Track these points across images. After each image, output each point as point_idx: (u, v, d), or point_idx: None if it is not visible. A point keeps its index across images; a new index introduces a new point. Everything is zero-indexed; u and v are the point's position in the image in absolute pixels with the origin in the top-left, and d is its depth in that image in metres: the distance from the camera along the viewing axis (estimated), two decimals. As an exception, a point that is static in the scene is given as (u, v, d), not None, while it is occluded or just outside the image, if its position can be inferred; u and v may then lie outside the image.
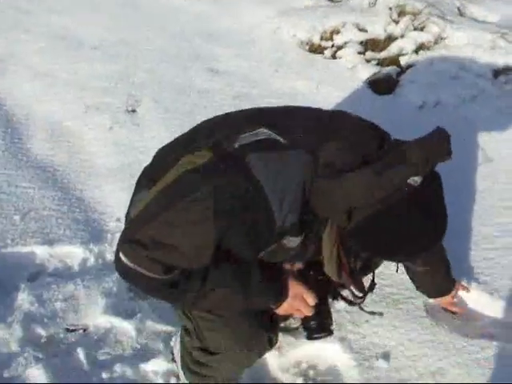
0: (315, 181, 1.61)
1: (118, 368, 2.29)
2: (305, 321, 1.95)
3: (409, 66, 4.43)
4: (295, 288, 1.84)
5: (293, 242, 1.70)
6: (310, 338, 1.97)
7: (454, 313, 2.56)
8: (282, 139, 1.65)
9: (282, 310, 1.86)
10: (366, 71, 4.33)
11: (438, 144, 1.53)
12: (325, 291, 1.95)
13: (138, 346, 2.40)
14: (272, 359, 2.38)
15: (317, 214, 1.66)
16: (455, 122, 3.76)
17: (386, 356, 2.36)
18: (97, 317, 2.48)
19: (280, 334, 2.32)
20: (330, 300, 2.01)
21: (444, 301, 2.54)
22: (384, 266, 2.62)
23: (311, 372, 2.36)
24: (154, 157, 1.93)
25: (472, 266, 2.76)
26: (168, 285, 1.66)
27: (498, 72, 4.35)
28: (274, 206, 1.58)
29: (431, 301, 2.57)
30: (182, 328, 2.07)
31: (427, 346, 2.39)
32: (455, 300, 2.56)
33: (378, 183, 1.50)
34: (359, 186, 1.52)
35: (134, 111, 3.87)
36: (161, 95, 4.03)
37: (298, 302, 1.85)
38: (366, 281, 2.10)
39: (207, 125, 1.85)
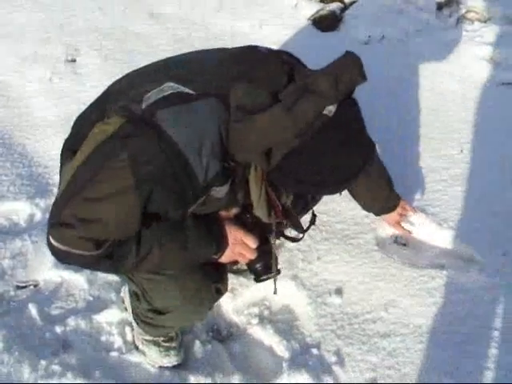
0: (229, 126, 1.56)
1: (71, 321, 2.27)
2: (250, 264, 1.93)
3: (352, 2, 4.37)
4: (234, 233, 1.82)
5: (220, 191, 1.67)
6: (258, 280, 1.96)
7: (404, 244, 2.58)
8: (189, 90, 1.59)
9: (225, 258, 1.84)
10: (309, 8, 4.25)
11: (346, 68, 1.49)
12: (265, 232, 1.91)
13: (91, 298, 2.38)
14: (226, 302, 2.38)
15: (238, 159, 1.62)
16: (400, 56, 3.77)
17: (338, 291, 2.38)
18: (47, 272, 2.45)
19: (233, 277, 2.34)
20: (272, 240, 1.99)
21: (389, 219, 2.55)
22: (335, 203, 2.64)
23: (266, 312, 2.37)
24: (72, 126, 1.86)
25: (420, 198, 2.79)
26: (104, 257, 1.63)
27: (441, 5, 4.32)
28: (191, 160, 1.54)
29: (381, 233, 2.58)
30: (131, 292, 2.06)
31: (379, 279, 2.42)
32: (405, 222, 2.59)
33: (291, 119, 1.45)
34: (272, 124, 1.47)
35: (73, 61, 3.76)
36: (100, 43, 3.92)
37: (240, 246, 1.84)
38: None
39: (116, 86, 1.77)
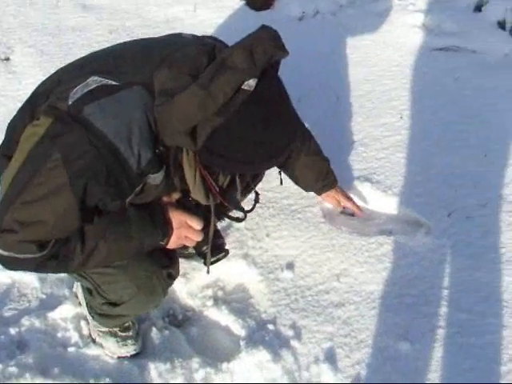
0: (155, 111, 1.56)
1: (25, 321, 2.26)
2: (197, 247, 1.95)
3: (285, -20, 4.35)
4: (178, 217, 1.83)
5: (156, 178, 1.68)
6: (206, 263, 1.97)
7: (352, 214, 2.62)
8: (114, 81, 1.60)
9: (172, 244, 1.85)
10: (243, -11, 4.24)
11: (260, 40, 1.49)
12: (208, 213, 1.92)
13: (44, 296, 2.37)
14: (179, 286, 2.39)
15: (167, 143, 1.63)
16: (335, 30, 3.78)
17: (290, 266, 2.41)
18: (-4, 274, 2.42)
19: (184, 261, 2.35)
20: (213, 221, 2.00)
21: (331, 197, 2.55)
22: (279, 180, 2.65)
23: (220, 293, 2.39)
24: (6, 131, 1.83)
25: (364, 168, 2.82)
26: (50, 258, 1.63)
27: (372, -24, 4.35)
28: (123, 150, 1.55)
29: (328, 205, 2.62)
30: (84, 287, 2.07)
31: (328, 250, 2.46)
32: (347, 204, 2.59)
33: (209, 96, 1.44)
34: (190, 103, 1.47)
35: (7, 59, 3.69)
36: (33, 39, 3.84)
37: (185, 229, 1.85)
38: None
39: (42, 87, 1.75)
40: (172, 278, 1.99)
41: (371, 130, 3.03)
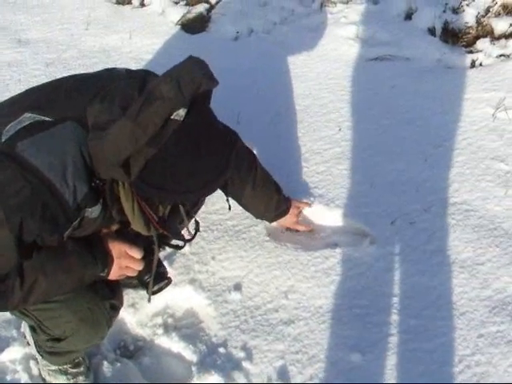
0: (88, 145, 1.56)
1: (-28, 366, 2.21)
2: (139, 277, 1.93)
3: (218, 1, 4.39)
4: (118, 247, 1.83)
5: (93, 212, 1.67)
6: (150, 293, 1.95)
7: (297, 230, 2.63)
8: (47, 118, 1.60)
9: (113, 274, 1.84)
10: (177, 13, 4.25)
11: (187, 70, 1.50)
12: (148, 242, 1.91)
13: (-9, 339, 2.32)
14: (129, 317, 2.38)
15: (102, 176, 1.62)
16: (270, 47, 3.82)
17: (237, 287, 2.40)
18: None
19: (132, 291, 2.33)
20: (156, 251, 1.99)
21: (287, 222, 2.60)
22: (223, 201, 2.65)
23: (170, 320, 2.37)
24: None
25: (306, 182, 2.84)
26: None
27: (304, -9, 4.41)
28: (58, 186, 1.54)
29: (274, 224, 2.62)
30: (28, 325, 2.04)
31: (275, 268, 2.45)
32: (299, 219, 2.63)
33: (138, 127, 1.44)
34: (121, 136, 1.46)
35: None
36: (-30, 76, 3.79)
37: (125, 259, 1.84)
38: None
39: None
40: (115, 308, 1.97)
41: (311, 144, 3.06)
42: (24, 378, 2.20)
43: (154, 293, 1.96)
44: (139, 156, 1.49)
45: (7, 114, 1.63)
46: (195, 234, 2.06)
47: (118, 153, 1.48)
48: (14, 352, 2.26)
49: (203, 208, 2.27)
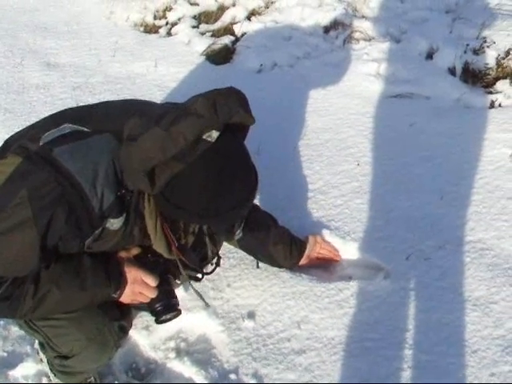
0: (119, 154, 1.62)
1: (-15, 380, 2.23)
2: (150, 304, 1.96)
3: (243, 34, 4.48)
4: (133, 272, 1.86)
5: (116, 223, 1.71)
6: (158, 321, 1.98)
7: (324, 259, 2.66)
8: (86, 129, 1.67)
9: (125, 298, 1.87)
10: (202, 44, 4.35)
11: (225, 95, 1.56)
12: (165, 271, 1.96)
13: (5, 354, 2.34)
14: (142, 339, 2.39)
15: (132, 190, 1.67)
16: (292, 81, 3.87)
17: (251, 315, 2.42)
18: (-44, 334, 2.39)
19: (146, 314, 2.35)
20: (180, 276, 2.03)
21: (310, 261, 2.60)
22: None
23: (182, 344, 2.38)
24: None
25: (323, 215, 2.87)
26: (1, 299, 1.64)
27: (328, 28, 4.49)
28: (87, 191, 1.59)
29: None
30: (38, 342, 2.08)
31: (289, 298, 2.46)
32: (322, 251, 2.64)
33: (169, 138, 1.49)
34: (150, 144, 1.51)
35: (-29, 118, 3.70)
36: (-3, 97, 3.88)
37: (139, 285, 1.87)
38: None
39: (14, 135, 1.79)
40: (124, 330, 2.01)
41: (329, 178, 3.09)
42: (36, 394, 2.23)
43: (161, 322, 1.99)
44: (166, 169, 1.54)
45: (48, 123, 1.71)
46: (215, 268, 2.12)
47: (145, 160, 1.53)
48: (27, 368, 2.29)
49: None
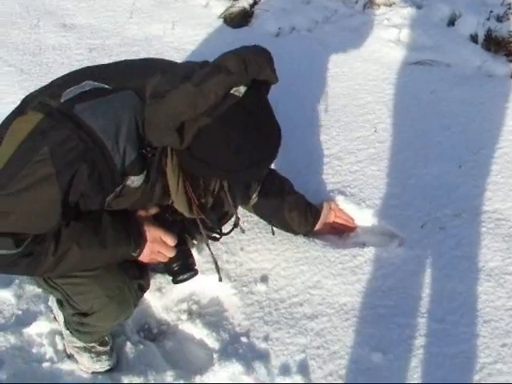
0: (144, 113, 1.62)
1: (0, 337, 2.26)
2: (167, 264, 1.96)
3: (262, -3, 4.41)
4: (153, 231, 1.87)
5: (136, 181, 1.71)
6: (175, 281, 1.99)
7: (340, 225, 2.66)
8: (107, 86, 1.67)
9: (144, 257, 1.88)
10: (220, 6, 4.27)
11: (256, 54, 1.56)
12: (182, 231, 1.96)
13: (20, 312, 2.38)
14: (155, 301, 2.41)
15: (155, 147, 1.67)
16: (311, 45, 3.81)
17: (264, 279, 2.42)
18: (-28, 292, 2.43)
19: (160, 276, 2.36)
20: (190, 240, 2.04)
21: (326, 227, 2.61)
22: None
23: (194, 307, 2.40)
24: None
25: (338, 181, 2.84)
26: (22, 256, 1.65)
27: (348, -8, 4.39)
28: (110, 147, 1.59)
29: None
30: (56, 300, 2.09)
31: (302, 263, 2.47)
32: (338, 220, 2.64)
33: (200, 94, 1.49)
34: (181, 99, 1.52)
35: (-13, 78, 3.69)
36: (13, 58, 3.84)
37: (158, 244, 1.88)
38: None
39: (33, 92, 1.79)
40: (142, 289, 2.01)
41: (346, 144, 3.06)
42: (49, 352, 2.26)
43: (178, 282, 1.99)
44: (194, 123, 1.54)
45: (68, 81, 1.71)
46: (232, 228, 2.12)
47: (175, 116, 1.54)
48: (41, 326, 2.32)
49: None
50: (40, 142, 1.57)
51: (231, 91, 1.53)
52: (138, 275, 1.97)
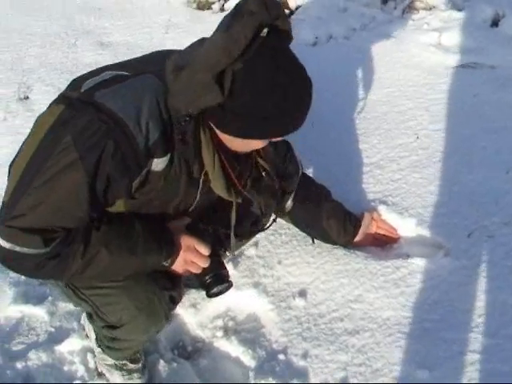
0: (169, 86, 1.59)
1: (32, 355, 2.25)
2: (200, 276, 1.88)
3: (297, 7, 4.41)
4: (186, 240, 1.82)
5: (160, 163, 1.66)
6: (209, 294, 1.88)
7: (383, 236, 2.57)
8: (127, 73, 1.66)
9: (177, 266, 1.83)
10: (257, 18, 4.26)
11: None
12: (215, 242, 1.90)
13: (53, 330, 2.35)
14: (189, 317, 2.36)
15: (184, 121, 1.63)
16: (349, 53, 3.77)
17: (302, 293, 2.34)
18: (6, 308, 2.42)
19: (194, 291, 2.31)
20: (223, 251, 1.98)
21: (368, 238, 2.52)
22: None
23: (230, 323, 2.33)
24: None
25: (380, 190, 2.75)
26: (50, 258, 1.60)
27: (386, -2, 4.34)
28: (131, 126, 1.56)
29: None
30: (86, 314, 2.06)
31: (342, 276, 2.37)
32: (380, 231, 2.56)
33: (231, 39, 1.46)
34: (214, 48, 1.48)
35: (26, 98, 3.74)
36: (51, 77, 3.91)
37: (191, 253, 1.82)
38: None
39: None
40: (174, 301, 1.94)
41: (387, 152, 2.97)
42: (80, 370, 2.23)
43: (213, 295, 1.90)
44: (228, 71, 1.51)
45: (88, 75, 1.71)
46: (273, 222, 2.09)
47: (212, 67, 1.50)
48: (73, 344, 2.29)
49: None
50: (62, 132, 1.55)
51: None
52: (170, 286, 1.90)
